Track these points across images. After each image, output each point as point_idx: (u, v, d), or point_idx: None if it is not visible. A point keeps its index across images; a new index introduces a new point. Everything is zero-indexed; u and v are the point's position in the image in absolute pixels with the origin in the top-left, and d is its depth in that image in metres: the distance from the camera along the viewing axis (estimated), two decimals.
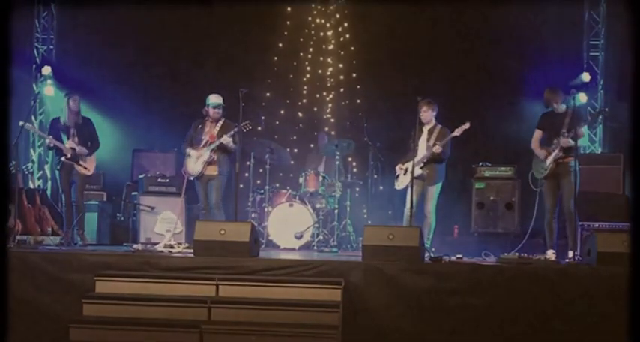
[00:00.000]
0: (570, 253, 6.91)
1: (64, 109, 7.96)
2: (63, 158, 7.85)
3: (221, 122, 8.00)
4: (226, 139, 7.76)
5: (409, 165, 7.68)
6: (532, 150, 7.37)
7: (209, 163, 7.88)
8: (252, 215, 8.91)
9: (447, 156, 7.67)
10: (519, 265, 6.19)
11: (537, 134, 7.39)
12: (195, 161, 7.92)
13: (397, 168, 7.92)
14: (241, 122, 7.54)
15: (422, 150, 7.64)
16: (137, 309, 5.78)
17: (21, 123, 7.65)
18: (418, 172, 7.49)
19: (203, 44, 10.10)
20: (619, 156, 8.62)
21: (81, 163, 7.89)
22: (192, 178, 7.99)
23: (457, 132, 7.51)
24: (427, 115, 7.68)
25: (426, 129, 7.72)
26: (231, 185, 7.93)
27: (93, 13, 9.93)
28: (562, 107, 7.23)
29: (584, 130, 7.31)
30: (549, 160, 7.13)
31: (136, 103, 9.82)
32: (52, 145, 7.92)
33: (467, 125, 7.48)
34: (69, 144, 7.86)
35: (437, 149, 7.52)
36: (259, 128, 9.21)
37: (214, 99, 7.97)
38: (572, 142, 6.97)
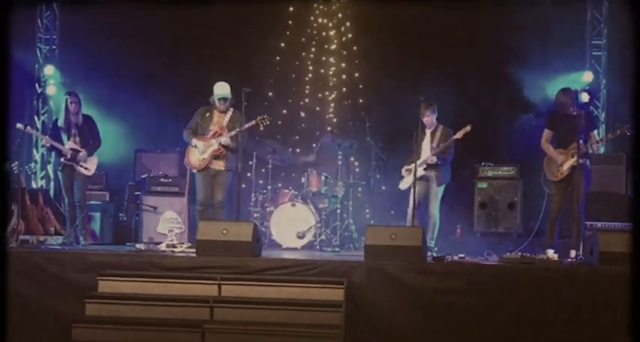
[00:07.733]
0: (573, 253, 6.90)
1: (62, 109, 7.95)
2: (62, 159, 7.86)
3: (230, 112, 7.67)
4: (226, 140, 7.45)
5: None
6: (542, 150, 7.29)
7: (216, 155, 7.53)
8: (255, 215, 8.91)
9: (452, 157, 7.69)
10: (522, 265, 6.18)
11: (548, 134, 7.29)
12: (202, 152, 7.53)
13: (403, 170, 7.95)
14: (245, 122, 7.48)
15: (426, 152, 7.70)
16: (139, 309, 5.80)
17: (19, 125, 7.64)
18: (422, 173, 7.54)
19: (205, 44, 10.07)
20: (622, 156, 8.60)
21: (81, 163, 7.89)
22: (194, 171, 7.67)
23: (458, 135, 7.59)
24: (430, 119, 7.70)
25: (428, 131, 7.75)
26: (234, 184, 7.90)
27: (95, 13, 9.91)
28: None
29: (595, 133, 7.24)
30: (567, 166, 7.07)
31: (139, 103, 9.80)
32: (49, 145, 7.94)
33: (468, 128, 7.54)
34: (69, 144, 7.87)
35: (431, 160, 7.61)
36: (261, 128, 9.18)
37: (220, 90, 7.58)
38: (592, 149, 6.99)
